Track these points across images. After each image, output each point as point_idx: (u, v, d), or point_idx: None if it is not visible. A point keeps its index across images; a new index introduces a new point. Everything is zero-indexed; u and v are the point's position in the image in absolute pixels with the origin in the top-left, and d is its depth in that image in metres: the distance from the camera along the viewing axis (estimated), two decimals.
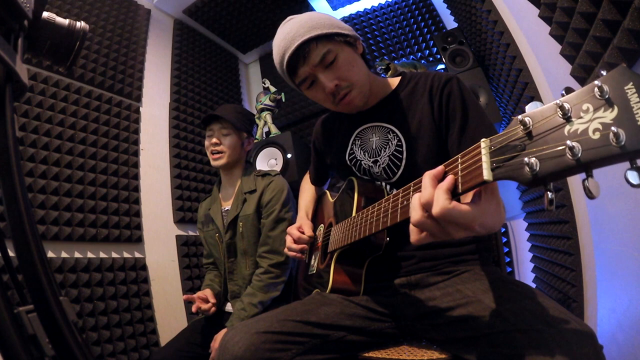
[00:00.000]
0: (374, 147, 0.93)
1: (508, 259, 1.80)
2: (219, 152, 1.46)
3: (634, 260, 0.94)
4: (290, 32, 0.82)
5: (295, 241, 0.99)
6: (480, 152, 0.42)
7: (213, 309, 1.35)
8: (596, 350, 0.53)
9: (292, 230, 1.01)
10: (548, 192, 0.36)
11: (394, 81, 0.97)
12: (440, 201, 0.44)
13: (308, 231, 1.00)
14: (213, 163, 1.49)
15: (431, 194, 0.46)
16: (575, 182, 1.22)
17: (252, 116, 1.65)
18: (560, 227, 1.31)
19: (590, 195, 0.34)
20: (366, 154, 0.94)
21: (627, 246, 0.97)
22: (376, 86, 0.94)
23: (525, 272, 1.78)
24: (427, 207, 0.47)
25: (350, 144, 0.98)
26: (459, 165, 0.45)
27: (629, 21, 0.74)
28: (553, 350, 0.51)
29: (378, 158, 0.91)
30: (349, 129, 0.99)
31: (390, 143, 0.90)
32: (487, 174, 0.40)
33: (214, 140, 1.47)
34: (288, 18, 0.87)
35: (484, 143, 0.42)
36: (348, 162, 0.98)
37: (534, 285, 1.60)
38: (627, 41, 0.76)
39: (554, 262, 1.40)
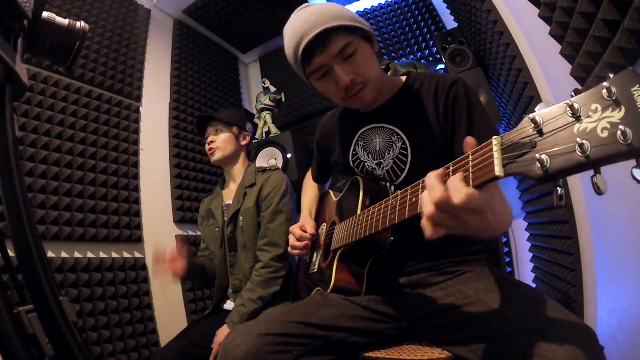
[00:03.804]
0: (377, 149, 0.91)
1: (508, 259, 1.79)
2: (213, 149, 1.54)
3: (634, 260, 0.94)
4: (310, 19, 0.77)
5: (298, 239, 1.00)
6: (492, 149, 0.43)
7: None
8: (597, 351, 0.53)
9: (295, 229, 1.02)
10: (558, 188, 0.37)
11: (400, 81, 0.96)
12: (461, 189, 0.43)
13: (310, 229, 1.01)
14: (211, 160, 1.57)
15: (442, 190, 0.45)
16: (575, 183, 1.22)
17: (244, 112, 1.69)
18: (560, 227, 1.31)
19: (599, 191, 0.34)
20: (370, 156, 0.92)
21: (627, 246, 0.97)
22: (384, 86, 0.92)
23: (525, 272, 1.78)
24: (440, 205, 0.45)
25: (353, 144, 0.97)
26: (470, 162, 0.46)
27: (629, 21, 0.74)
28: (554, 351, 0.51)
29: (382, 160, 0.90)
30: (353, 128, 0.97)
31: (394, 145, 0.88)
32: (498, 170, 0.41)
33: (209, 139, 1.56)
34: (304, 5, 0.83)
35: (495, 140, 0.43)
36: (351, 164, 0.97)
37: (534, 285, 1.60)
38: (627, 41, 0.76)
39: (554, 262, 1.40)
